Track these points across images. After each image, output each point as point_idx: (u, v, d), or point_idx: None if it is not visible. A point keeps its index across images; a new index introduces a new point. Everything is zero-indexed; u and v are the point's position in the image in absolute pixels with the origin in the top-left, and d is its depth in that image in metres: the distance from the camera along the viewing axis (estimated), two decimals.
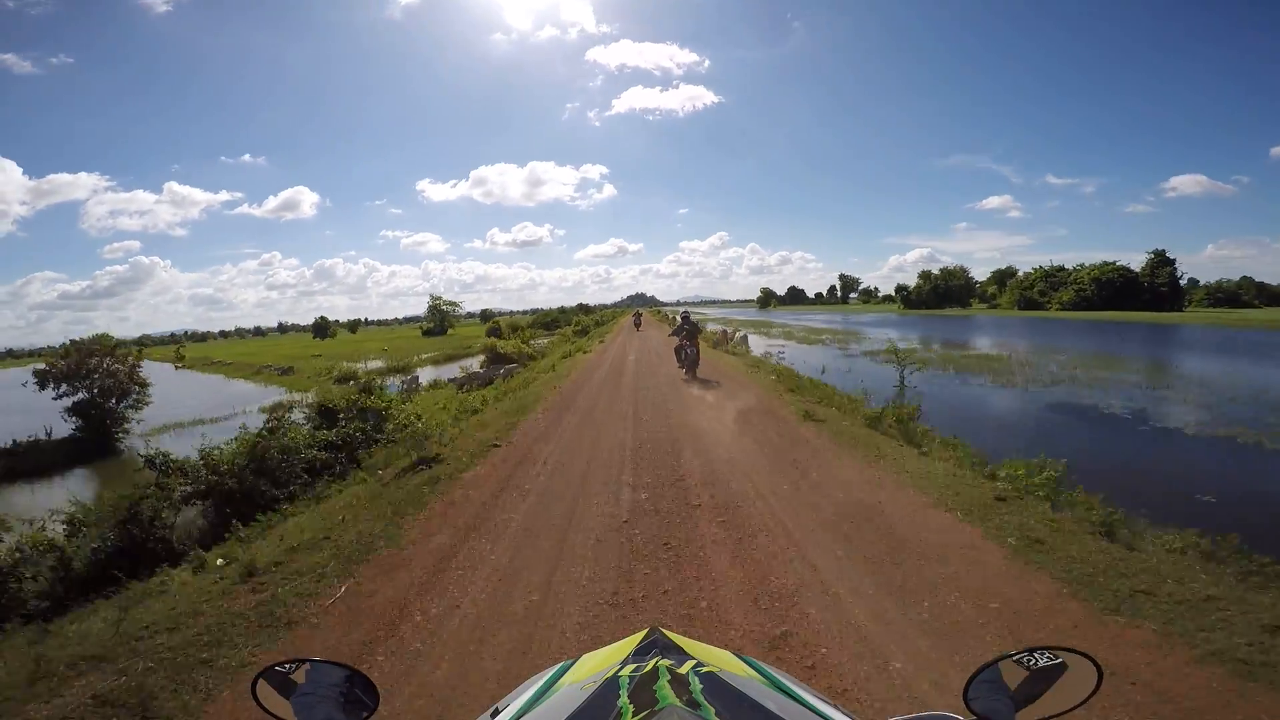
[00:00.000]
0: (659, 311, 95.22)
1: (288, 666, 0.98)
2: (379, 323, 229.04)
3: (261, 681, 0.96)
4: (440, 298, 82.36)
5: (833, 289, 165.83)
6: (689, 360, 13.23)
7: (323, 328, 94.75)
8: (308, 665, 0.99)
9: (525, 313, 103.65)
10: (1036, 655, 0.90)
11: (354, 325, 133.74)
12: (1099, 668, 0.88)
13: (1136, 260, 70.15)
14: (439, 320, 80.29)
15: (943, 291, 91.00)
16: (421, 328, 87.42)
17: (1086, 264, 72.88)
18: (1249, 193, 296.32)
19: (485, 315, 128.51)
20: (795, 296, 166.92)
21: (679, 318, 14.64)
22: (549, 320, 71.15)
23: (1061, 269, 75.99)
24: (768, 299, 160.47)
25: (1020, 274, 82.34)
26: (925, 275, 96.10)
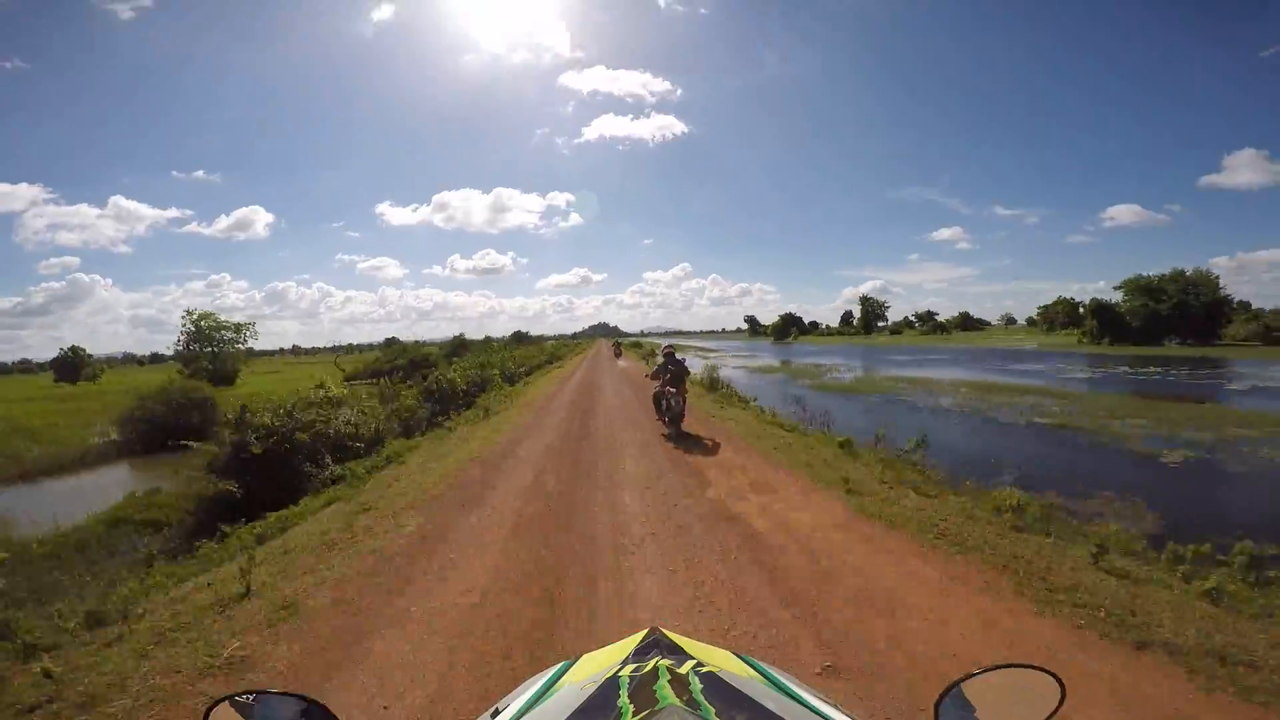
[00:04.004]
0: (639, 346, 59.38)
1: (246, 697, 0.90)
2: (310, 351, 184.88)
3: (214, 714, 0.87)
4: (210, 314, 44.55)
5: (846, 316, 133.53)
6: (674, 412, 10.01)
7: (71, 365, 55.20)
8: (257, 698, 0.90)
9: (431, 342, 68.13)
10: (1001, 673, 0.91)
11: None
12: (1062, 684, 0.88)
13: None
14: (210, 356, 43.26)
15: (1184, 311, 50.17)
16: (177, 370, 46.30)
17: None
18: (1181, 221, 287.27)
19: (389, 343, 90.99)
20: (794, 325, 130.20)
21: (660, 355, 11.48)
22: (419, 358, 35.27)
23: None
24: (786, 329, 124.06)
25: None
26: (1137, 285, 53.58)
